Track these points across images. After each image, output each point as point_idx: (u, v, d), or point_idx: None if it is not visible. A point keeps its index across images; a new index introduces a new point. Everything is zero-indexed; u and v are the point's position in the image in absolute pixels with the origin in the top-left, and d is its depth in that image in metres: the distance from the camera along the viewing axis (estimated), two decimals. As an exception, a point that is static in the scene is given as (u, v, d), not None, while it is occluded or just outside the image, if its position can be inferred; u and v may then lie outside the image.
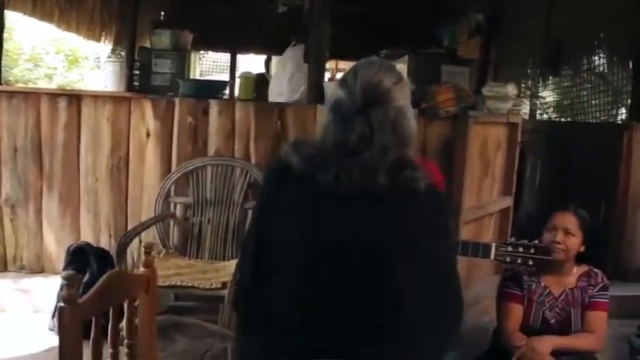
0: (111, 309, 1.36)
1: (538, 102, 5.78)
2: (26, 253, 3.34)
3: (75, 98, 3.22)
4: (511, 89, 3.15)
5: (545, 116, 5.67)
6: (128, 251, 3.24)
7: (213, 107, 3.08)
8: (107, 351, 1.36)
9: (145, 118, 3.15)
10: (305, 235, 1.29)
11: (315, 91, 3.14)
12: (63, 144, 3.23)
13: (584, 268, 2.23)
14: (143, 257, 1.50)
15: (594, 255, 2.24)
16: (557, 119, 5.51)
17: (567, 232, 2.15)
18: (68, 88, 9.65)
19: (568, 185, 4.33)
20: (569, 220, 2.18)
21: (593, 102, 4.74)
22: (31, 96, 3.27)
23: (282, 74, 3.87)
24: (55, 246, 3.28)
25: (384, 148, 1.27)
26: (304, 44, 3.48)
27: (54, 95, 3.26)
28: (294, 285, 1.29)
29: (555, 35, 4.99)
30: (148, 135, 3.16)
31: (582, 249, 2.20)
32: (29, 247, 3.33)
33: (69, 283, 1.17)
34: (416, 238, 1.29)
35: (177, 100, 3.13)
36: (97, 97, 3.23)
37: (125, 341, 1.45)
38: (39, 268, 3.35)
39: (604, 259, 3.82)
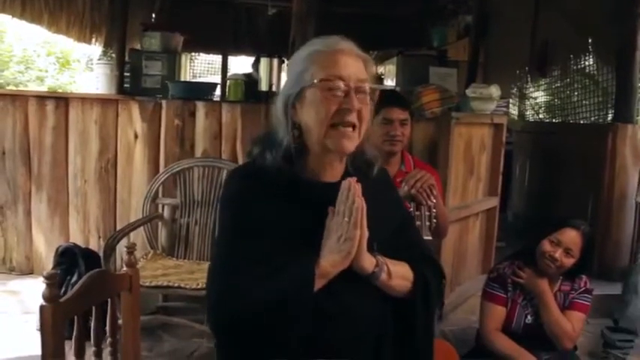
0: (93, 308, 1.39)
1: (527, 103, 5.83)
2: (16, 255, 3.36)
3: (62, 101, 3.22)
4: (495, 90, 3.16)
5: (534, 117, 5.71)
6: (117, 252, 3.31)
7: (200, 109, 3.09)
8: (91, 349, 1.39)
9: (133, 121, 3.16)
10: None
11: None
12: (51, 146, 3.24)
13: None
14: (126, 257, 1.53)
15: (583, 270, 2.24)
16: (545, 120, 5.55)
17: (568, 252, 2.15)
18: (60, 90, 9.64)
19: (557, 185, 4.37)
20: (574, 241, 2.15)
21: (584, 102, 4.77)
22: (19, 98, 3.27)
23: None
24: (45, 247, 3.30)
25: None
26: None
27: (42, 98, 3.26)
28: None
29: (542, 37, 5.04)
30: (135, 137, 3.17)
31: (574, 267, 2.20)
32: (19, 248, 3.35)
33: (49, 282, 1.19)
34: None
35: (164, 103, 3.13)
36: (84, 99, 3.23)
37: (108, 339, 1.48)
38: (28, 269, 3.37)
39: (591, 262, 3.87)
